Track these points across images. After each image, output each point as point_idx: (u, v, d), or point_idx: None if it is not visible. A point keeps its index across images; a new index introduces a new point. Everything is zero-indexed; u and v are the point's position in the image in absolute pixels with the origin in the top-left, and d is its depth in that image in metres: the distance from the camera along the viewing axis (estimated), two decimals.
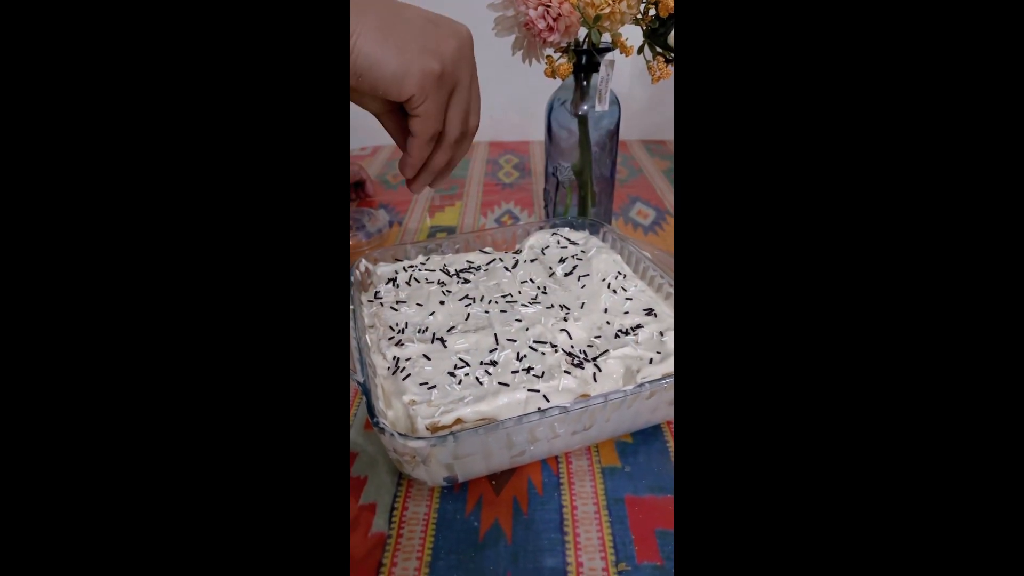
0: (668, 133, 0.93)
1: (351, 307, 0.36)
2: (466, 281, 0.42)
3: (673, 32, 0.42)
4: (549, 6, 0.40)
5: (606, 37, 0.44)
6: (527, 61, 0.45)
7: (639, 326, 0.37)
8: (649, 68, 0.44)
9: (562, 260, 0.44)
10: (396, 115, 0.35)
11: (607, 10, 0.40)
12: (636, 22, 0.43)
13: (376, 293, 0.41)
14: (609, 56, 0.45)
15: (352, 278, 0.41)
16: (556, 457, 0.34)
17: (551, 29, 0.41)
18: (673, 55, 0.43)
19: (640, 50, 0.44)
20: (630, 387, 0.30)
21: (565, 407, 0.29)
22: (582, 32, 0.43)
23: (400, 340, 0.36)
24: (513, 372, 0.33)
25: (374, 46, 0.28)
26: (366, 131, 0.95)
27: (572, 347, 0.35)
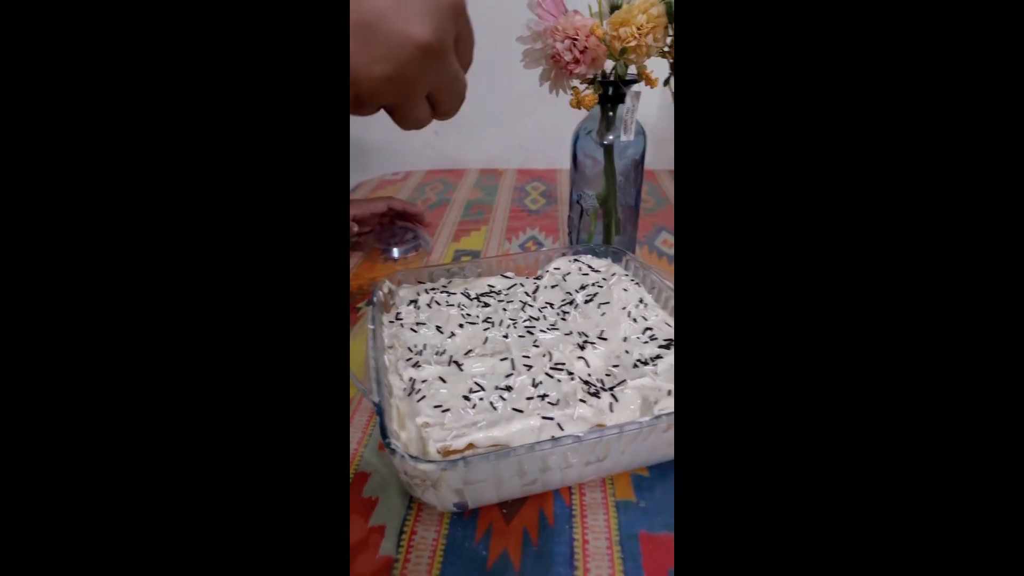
0: None
1: (371, 327, 0.37)
2: (486, 305, 0.42)
3: None
4: (576, 39, 0.41)
5: (632, 69, 0.45)
6: (554, 92, 0.46)
7: (658, 356, 0.36)
8: (675, 100, 0.44)
9: (582, 287, 0.44)
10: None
11: (633, 43, 0.41)
12: (662, 55, 0.43)
13: (397, 314, 0.41)
14: (635, 88, 0.45)
15: (375, 299, 0.41)
16: (569, 488, 0.33)
17: (577, 61, 0.42)
18: None
19: (666, 82, 0.45)
20: (647, 419, 0.29)
21: (579, 436, 0.28)
22: (609, 64, 0.44)
23: (417, 361, 0.36)
24: (528, 398, 0.32)
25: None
26: (397, 157, 0.98)
27: (589, 375, 0.35)
